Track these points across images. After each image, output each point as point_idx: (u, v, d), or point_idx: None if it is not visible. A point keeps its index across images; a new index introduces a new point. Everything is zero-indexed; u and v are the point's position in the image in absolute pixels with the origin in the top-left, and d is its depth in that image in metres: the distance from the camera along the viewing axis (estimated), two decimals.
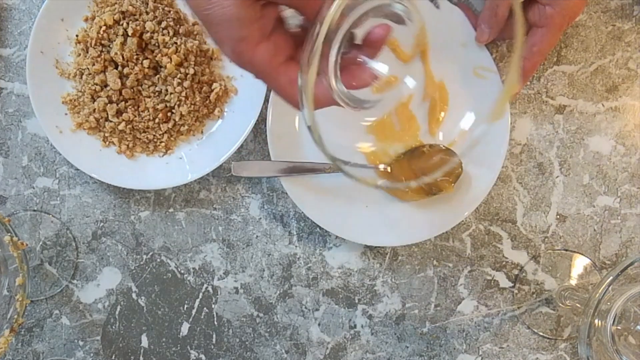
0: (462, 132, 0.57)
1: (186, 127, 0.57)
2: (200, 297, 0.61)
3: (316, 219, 0.56)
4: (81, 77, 0.56)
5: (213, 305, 0.60)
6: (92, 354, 0.61)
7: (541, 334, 0.60)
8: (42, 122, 0.56)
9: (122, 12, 0.55)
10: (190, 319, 0.61)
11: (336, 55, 0.37)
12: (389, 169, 0.57)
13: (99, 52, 0.55)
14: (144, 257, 0.60)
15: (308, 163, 0.56)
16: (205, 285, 0.60)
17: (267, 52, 0.35)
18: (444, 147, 0.57)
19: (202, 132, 0.59)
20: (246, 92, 0.58)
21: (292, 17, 0.37)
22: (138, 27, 0.54)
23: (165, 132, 0.58)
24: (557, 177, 0.60)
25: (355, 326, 0.61)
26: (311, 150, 0.58)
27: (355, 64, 0.39)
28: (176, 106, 0.56)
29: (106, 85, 0.56)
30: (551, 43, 0.52)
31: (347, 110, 0.40)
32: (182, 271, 0.60)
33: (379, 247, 0.60)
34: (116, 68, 0.55)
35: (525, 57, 0.52)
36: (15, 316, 0.47)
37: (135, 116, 0.57)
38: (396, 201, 0.58)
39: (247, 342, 0.61)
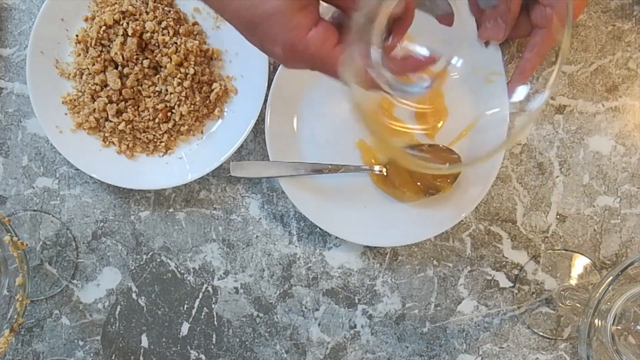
0: (462, 132, 0.57)
1: (186, 127, 0.57)
2: (200, 297, 0.61)
3: (315, 219, 0.56)
4: (81, 77, 0.56)
5: (213, 305, 0.60)
6: (92, 354, 0.61)
7: (541, 334, 0.60)
8: (42, 122, 0.56)
9: (122, 12, 0.55)
10: (190, 319, 0.61)
11: (381, 41, 0.37)
12: (384, 171, 0.57)
13: (99, 52, 0.55)
14: (144, 257, 0.60)
15: (306, 164, 0.57)
16: (205, 285, 0.60)
17: (319, 37, 0.36)
18: (443, 147, 0.57)
19: (202, 132, 0.59)
20: (246, 92, 0.58)
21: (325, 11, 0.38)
22: (138, 27, 0.54)
23: (165, 132, 0.58)
24: (557, 177, 0.60)
25: (355, 326, 0.61)
26: (309, 150, 0.58)
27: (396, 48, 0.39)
28: (176, 106, 0.56)
29: (106, 85, 0.56)
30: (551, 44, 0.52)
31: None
32: (182, 271, 0.60)
33: (379, 247, 0.60)
34: (116, 68, 0.55)
35: (525, 58, 0.52)
36: (15, 316, 0.47)
37: (135, 116, 0.57)
38: (395, 202, 0.58)
39: (247, 342, 0.61)
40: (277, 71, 0.56)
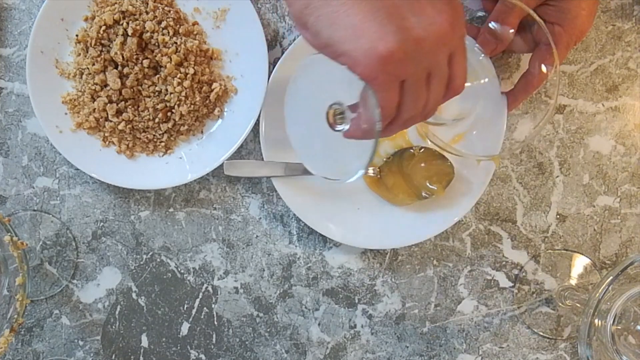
0: (455, 136, 0.57)
1: (186, 127, 0.57)
2: (200, 297, 0.61)
3: (309, 221, 0.56)
4: (81, 77, 0.56)
5: (213, 305, 0.61)
6: (92, 354, 0.61)
7: (541, 334, 0.60)
8: (42, 122, 0.56)
9: (122, 12, 0.55)
10: (190, 319, 0.61)
11: None
12: (378, 173, 0.57)
13: (99, 52, 0.55)
14: (144, 257, 0.60)
15: (300, 164, 0.56)
16: (205, 285, 0.60)
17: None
18: (436, 152, 0.56)
19: (202, 132, 0.59)
20: (246, 92, 0.58)
21: None
22: (138, 27, 0.54)
23: (165, 132, 0.58)
24: (557, 177, 0.60)
25: (355, 326, 0.61)
26: None
27: None
28: (176, 106, 0.56)
29: (106, 85, 0.56)
30: (558, 61, 0.52)
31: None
32: (182, 271, 0.60)
33: None
34: (116, 68, 0.55)
35: (532, 74, 0.52)
36: (15, 316, 0.47)
37: (135, 116, 0.57)
38: (388, 204, 0.58)
39: (247, 342, 0.61)
40: (273, 71, 0.56)
